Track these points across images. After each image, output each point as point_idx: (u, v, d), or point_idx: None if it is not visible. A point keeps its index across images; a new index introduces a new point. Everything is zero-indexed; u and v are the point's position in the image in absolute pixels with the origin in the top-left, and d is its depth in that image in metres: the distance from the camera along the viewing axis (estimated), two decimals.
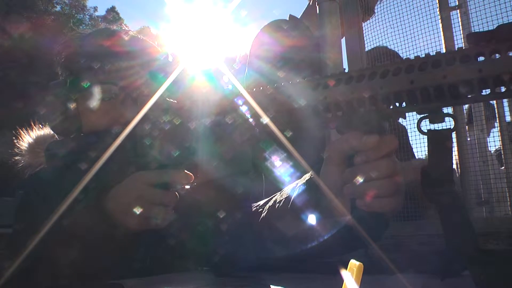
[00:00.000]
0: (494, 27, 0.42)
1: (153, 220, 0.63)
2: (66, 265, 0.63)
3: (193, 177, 0.64)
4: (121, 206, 0.64)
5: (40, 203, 0.76)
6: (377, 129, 0.51)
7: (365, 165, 0.52)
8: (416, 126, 0.48)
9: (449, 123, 0.48)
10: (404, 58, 1.03)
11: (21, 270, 0.60)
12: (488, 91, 0.42)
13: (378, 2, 1.15)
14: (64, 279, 0.64)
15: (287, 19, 1.26)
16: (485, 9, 0.98)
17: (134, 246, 0.72)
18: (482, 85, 0.42)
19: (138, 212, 0.62)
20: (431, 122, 0.48)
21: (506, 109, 1.19)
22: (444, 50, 1.02)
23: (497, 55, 0.40)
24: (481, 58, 0.41)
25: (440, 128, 0.48)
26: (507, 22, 0.45)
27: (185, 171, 0.64)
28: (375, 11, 1.15)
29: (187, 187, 0.65)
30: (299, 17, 1.32)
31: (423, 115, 0.48)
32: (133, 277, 0.68)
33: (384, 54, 1.12)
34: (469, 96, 0.43)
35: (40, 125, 1.02)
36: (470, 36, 0.43)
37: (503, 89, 0.42)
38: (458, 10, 1.18)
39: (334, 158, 0.57)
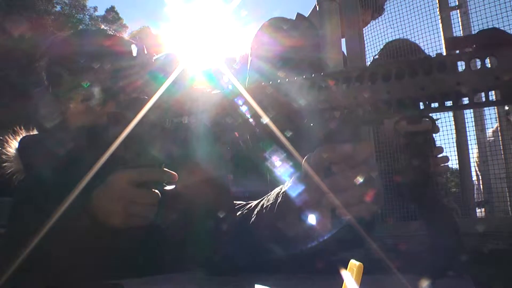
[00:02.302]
0: (491, 27, 0.42)
1: (137, 218, 0.64)
2: (56, 266, 0.63)
3: (176, 176, 0.64)
4: (104, 206, 0.64)
5: (29, 210, 0.76)
6: (351, 138, 0.50)
7: (342, 174, 0.51)
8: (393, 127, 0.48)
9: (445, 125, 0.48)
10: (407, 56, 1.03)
11: (12, 275, 0.60)
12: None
13: (388, 1, 1.14)
14: (57, 281, 0.64)
15: (293, 18, 1.26)
16: (485, 9, 0.97)
17: (133, 246, 0.72)
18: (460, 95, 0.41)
19: (120, 211, 0.63)
20: (409, 123, 0.47)
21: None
22: (444, 50, 1.02)
23: (478, 61, 0.39)
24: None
25: (418, 130, 0.48)
26: (487, 28, 0.44)
27: (166, 169, 0.64)
28: (385, 8, 1.15)
29: (172, 187, 0.65)
30: (307, 15, 1.31)
31: (400, 116, 0.47)
32: (133, 277, 0.68)
33: (405, 47, 1.10)
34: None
35: (33, 128, 1.01)
36: (449, 41, 0.42)
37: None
38: (458, 10, 1.18)
39: (312, 170, 0.57)
